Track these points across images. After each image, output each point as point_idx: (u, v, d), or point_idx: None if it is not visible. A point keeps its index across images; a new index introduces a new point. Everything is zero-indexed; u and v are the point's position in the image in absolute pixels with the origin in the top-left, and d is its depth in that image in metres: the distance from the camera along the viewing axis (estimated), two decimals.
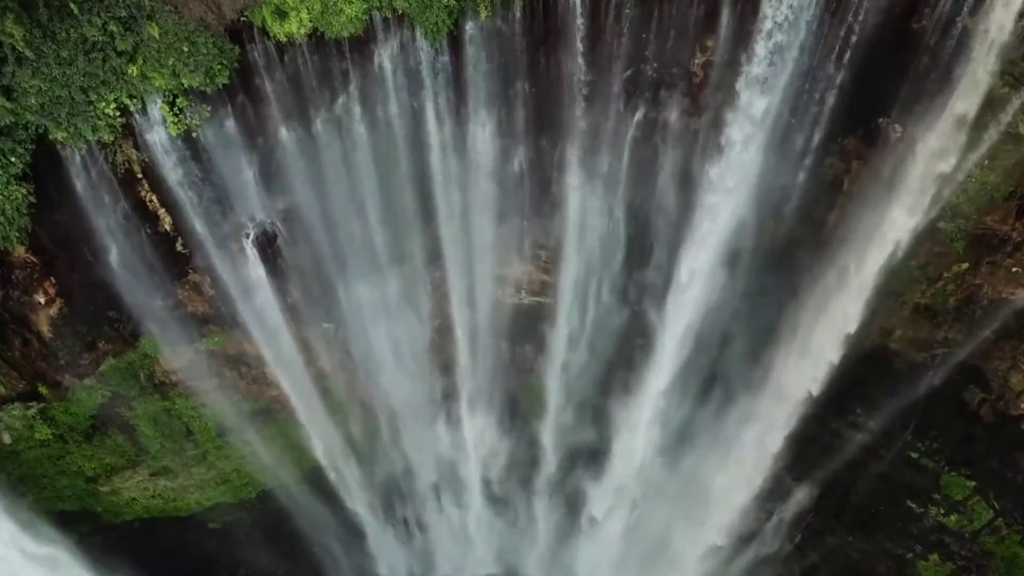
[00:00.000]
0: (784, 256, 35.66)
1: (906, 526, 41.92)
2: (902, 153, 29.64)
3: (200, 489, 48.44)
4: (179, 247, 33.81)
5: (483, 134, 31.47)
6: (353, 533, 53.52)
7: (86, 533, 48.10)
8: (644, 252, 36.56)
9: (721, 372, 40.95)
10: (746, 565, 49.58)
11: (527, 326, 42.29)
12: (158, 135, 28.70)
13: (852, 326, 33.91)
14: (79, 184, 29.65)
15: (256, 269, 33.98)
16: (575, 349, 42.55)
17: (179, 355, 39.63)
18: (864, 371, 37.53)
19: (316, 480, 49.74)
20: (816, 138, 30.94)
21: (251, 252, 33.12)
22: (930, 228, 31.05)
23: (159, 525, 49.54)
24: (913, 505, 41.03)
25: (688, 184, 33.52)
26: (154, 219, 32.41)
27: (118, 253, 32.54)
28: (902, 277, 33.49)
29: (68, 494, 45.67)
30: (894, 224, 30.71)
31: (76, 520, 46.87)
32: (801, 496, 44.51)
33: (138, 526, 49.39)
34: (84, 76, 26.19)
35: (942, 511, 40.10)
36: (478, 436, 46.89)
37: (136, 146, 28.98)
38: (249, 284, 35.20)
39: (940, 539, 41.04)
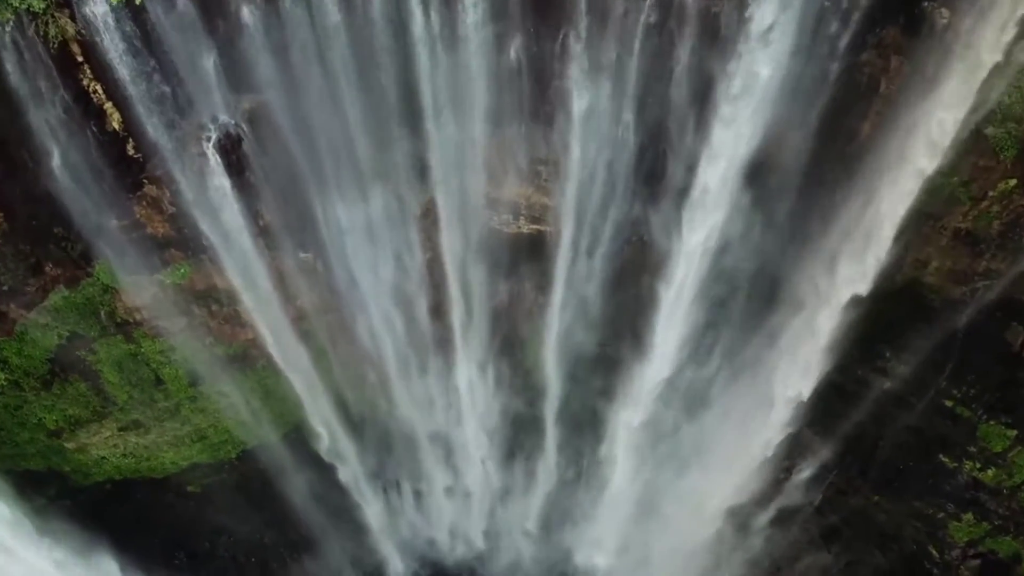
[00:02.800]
0: (810, 174, 32.08)
1: (937, 483, 38.47)
2: (949, 44, 25.87)
3: (174, 447, 44.61)
4: (131, 151, 29.86)
5: (473, 16, 27.38)
6: (343, 497, 49.55)
7: (54, 496, 44.19)
8: (657, 165, 32.60)
9: (739, 310, 36.66)
10: (761, 530, 45.31)
11: (526, 260, 38.34)
12: (98, 6, 24.57)
13: (883, 255, 30.51)
14: (10, 67, 25.82)
15: (220, 179, 30.13)
16: (579, 286, 38.53)
17: (141, 289, 35.80)
18: (895, 310, 34.30)
19: (301, 438, 45.90)
20: (852, 27, 27.32)
21: (213, 158, 29.24)
22: (976, 135, 27.60)
23: (133, 487, 45.87)
24: (946, 459, 37.59)
25: (706, 82, 29.48)
26: (100, 115, 28.56)
27: (61, 157, 28.69)
28: (941, 197, 30.01)
29: (31, 451, 41.89)
30: (935, 132, 27.19)
31: (43, 482, 43.18)
32: (823, 452, 40.72)
33: (110, 488, 45.62)
34: None
35: (978, 465, 36.65)
36: (474, 387, 42.85)
37: (72, 17, 24.78)
38: (213, 199, 31.38)
39: (975, 496, 37.63)
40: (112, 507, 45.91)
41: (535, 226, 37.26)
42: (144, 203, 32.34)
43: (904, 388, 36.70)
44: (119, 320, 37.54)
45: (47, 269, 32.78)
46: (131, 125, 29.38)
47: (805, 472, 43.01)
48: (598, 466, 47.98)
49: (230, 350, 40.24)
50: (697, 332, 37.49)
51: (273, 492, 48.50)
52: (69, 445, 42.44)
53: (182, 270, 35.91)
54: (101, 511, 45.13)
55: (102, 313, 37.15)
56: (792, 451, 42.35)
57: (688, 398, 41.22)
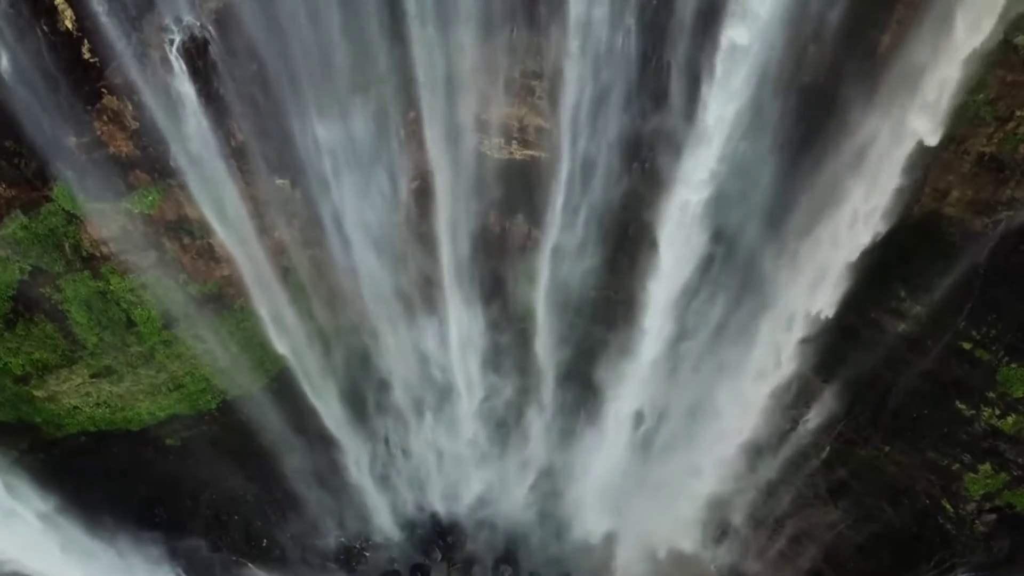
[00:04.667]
0: (825, 93, 29.64)
1: (953, 432, 36.33)
2: None
3: (151, 396, 42.25)
4: (86, 54, 27.15)
5: None
6: (329, 451, 47.28)
7: (26, 449, 41.84)
8: (661, 79, 29.94)
9: (747, 239, 34.26)
10: (763, 485, 43.11)
11: (520, 189, 35.73)
12: None
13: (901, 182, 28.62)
14: None
15: (185, 88, 27.44)
16: (576, 219, 35.92)
17: (107, 218, 33.42)
18: (911, 245, 32.28)
19: (284, 388, 43.43)
20: None
21: (177, 64, 26.69)
22: (1004, 47, 25.51)
23: (109, 440, 43.57)
24: (962, 406, 35.41)
25: None
26: (51, 11, 25.86)
27: (9, 59, 26.22)
28: (965, 117, 27.71)
29: None
30: (960, 41, 24.93)
31: (14, 433, 40.70)
32: (831, 400, 38.68)
33: (85, 441, 43.39)
34: None
35: (997, 412, 34.48)
36: (464, 331, 40.39)
37: None
38: (180, 113, 28.64)
39: (993, 446, 35.47)
40: (88, 461, 43.55)
41: (528, 151, 34.74)
42: (104, 117, 29.77)
43: (919, 330, 34.58)
44: (85, 254, 35.16)
45: (1, 191, 30.17)
46: (86, 24, 26.89)
47: (812, 422, 40.82)
48: (596, 418, 45.61)
49: (205, 288, 37.85)
50: (703, 266, 34.92)
51: (256, 446, 46.43)
52: (38, 393, 40.15)
53: (150, 197, 33.39)
54: (76, 466, 42.62)
55: (66, 245, 34.73)
56: (799, 399, 40.07)
57: (694, 341, 38.76)
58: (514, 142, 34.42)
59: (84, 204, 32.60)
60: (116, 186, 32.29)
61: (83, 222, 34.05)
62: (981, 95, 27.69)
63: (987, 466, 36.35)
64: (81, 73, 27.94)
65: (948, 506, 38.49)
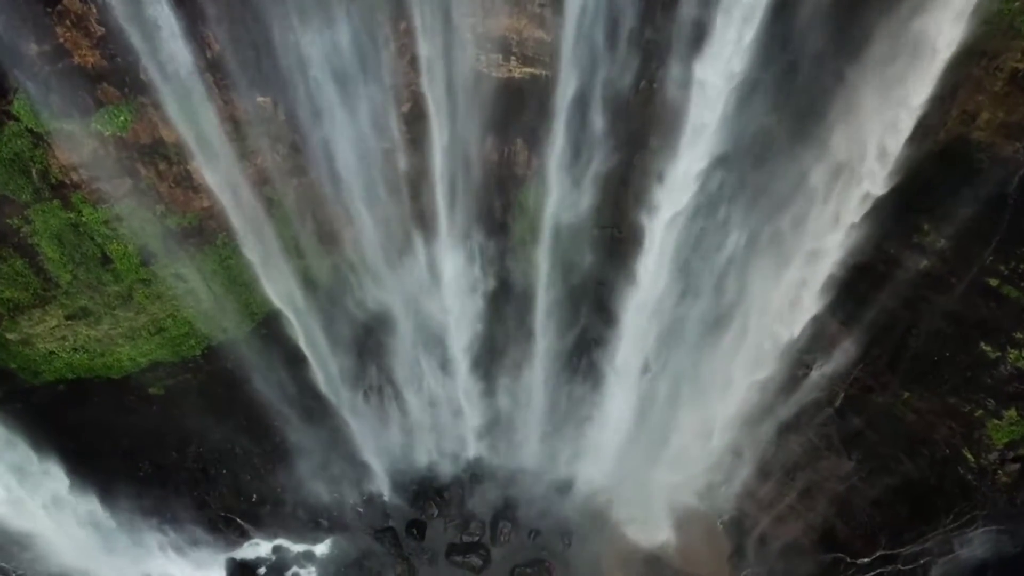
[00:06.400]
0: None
1: (976, 375, 34.12)
2: None
3: (131, 340, 40.05)
4: None
5: None
6: (320, 401, 45.16)
7: (2, 398, 39.72)
8: None
9: (759, 168, 31.87)
10: (773, 435, 40.89)
11: (519, 111, 33.11)
12: None
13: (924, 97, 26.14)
14: None
15: None
16: (579, 147, 33.44)
17: (77, 142, 31.00)
18: (934, 173, 30.07)
19: (272, 333, 41.19)
20: None
21: None
22: None
23: (90, 389, 41.75)
24: (987, 348, 33.20)
25: None
26: None
27: None
28: (996, 30, 25.54)
29: None
30: None
31: None
32: (847, 343, 36.69)
33: (64, 390, 41.23)
34: None
35: None
36: (460, 266, 38.06)
37: None
38: (149, 16, 26.09)
39: (1019, 390, 33.24)
40: (68, 411, 41.66)
41: (528, 69, 32.22)
42: (67, 22, 27.22)
43: (942, 266, 32.53)
44: (54, 181, 32.81)
45: None
46: None
47: (826, 367, 38.55)
48: (598, 365, 43.35)
49: (184, 221, 35.52)
50: (713, 192, 32.54)
51: (244, 396, 44.41)
52: (11, 336, 37.99)
53: (121, 117, 30.88)
54: (55, 416, 40.54)
55: (34, 171, 32.35)
56: (813, 342, 37.81)
57: (702, 276, 36.43)
58: (513, 58, 31.90)
59: (49, 122, 30.09)
60: (83, 102, 29.84)
61: (51, 145, 31.60)
62: (1016, 2, 25.22)
63: (1012, 412, 34.22)
64: None
65: (969, 455, 36.36)
